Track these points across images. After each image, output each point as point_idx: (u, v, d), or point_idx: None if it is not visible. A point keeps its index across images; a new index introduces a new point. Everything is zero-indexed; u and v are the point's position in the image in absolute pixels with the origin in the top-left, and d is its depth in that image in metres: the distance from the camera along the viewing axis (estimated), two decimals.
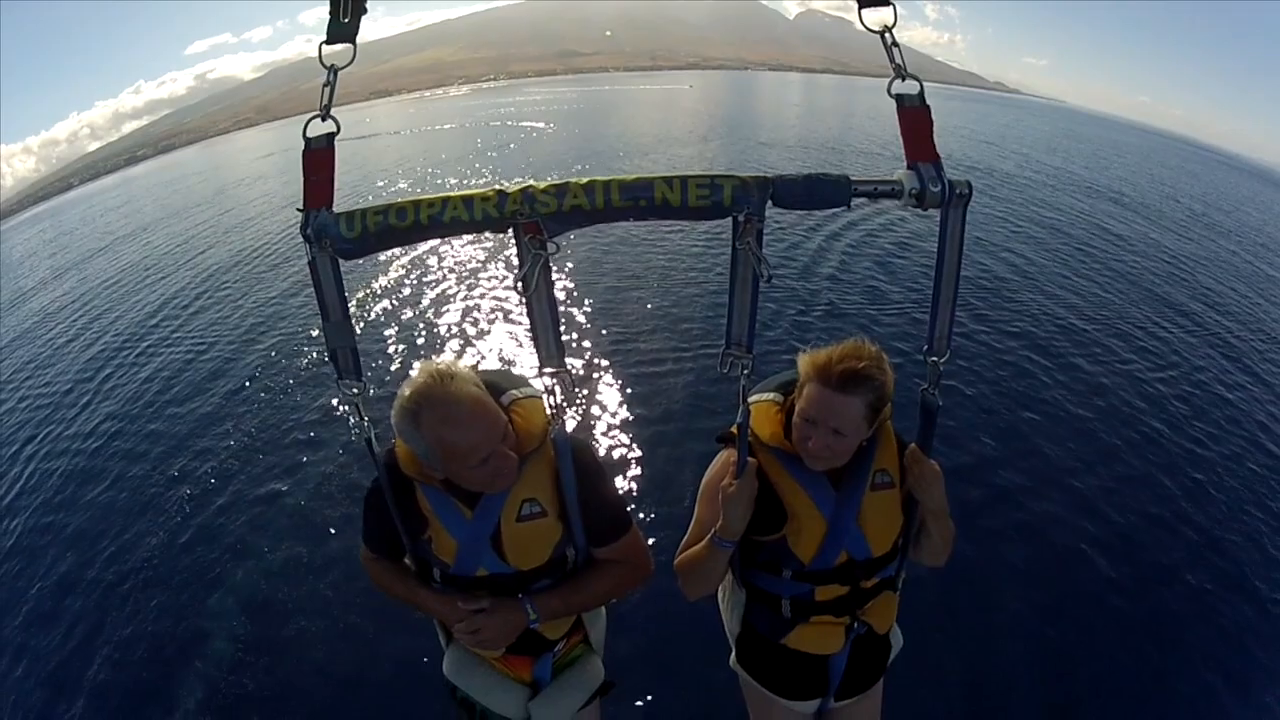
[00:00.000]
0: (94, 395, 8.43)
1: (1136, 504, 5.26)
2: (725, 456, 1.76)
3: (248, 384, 7.90)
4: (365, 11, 1.34)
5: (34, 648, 4.50)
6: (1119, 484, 5.49)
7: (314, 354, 8.43)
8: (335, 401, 6.86)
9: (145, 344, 10.04)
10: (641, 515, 4.92)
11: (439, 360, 1.52)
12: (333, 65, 1.37)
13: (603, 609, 1.94)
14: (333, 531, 5.08)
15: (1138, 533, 4.96)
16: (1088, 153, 32.89)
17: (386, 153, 32.04)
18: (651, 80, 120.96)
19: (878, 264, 10.45)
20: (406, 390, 1.44)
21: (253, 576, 4.80)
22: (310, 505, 5.44)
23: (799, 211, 1.84)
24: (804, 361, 1.62)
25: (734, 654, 1.98)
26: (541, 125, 36.34)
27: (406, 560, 1.73)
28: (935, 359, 1.55)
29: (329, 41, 1.35)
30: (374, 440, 1.56)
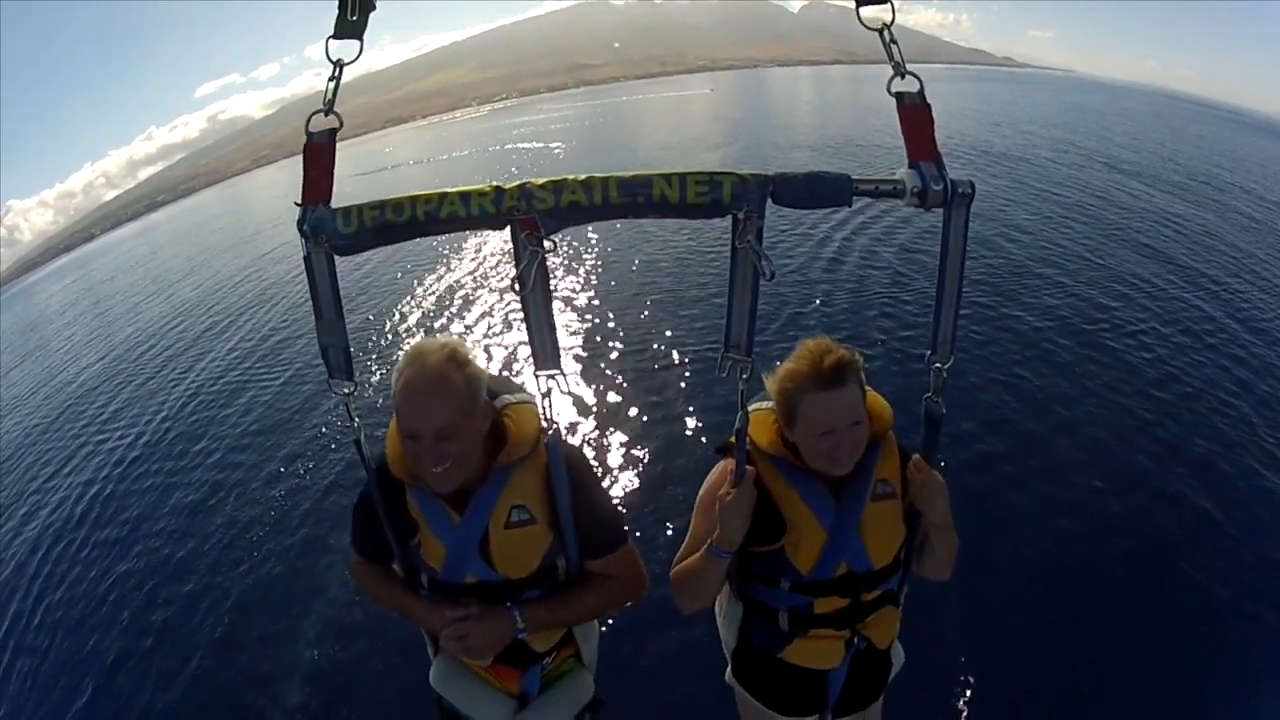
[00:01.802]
0: (188, 434, 8.55)
1: (1154, 511, 4.85)
2: (723, 466, 1.74)
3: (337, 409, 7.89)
4: (374, 9, 1.36)
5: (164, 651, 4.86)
6: (1130, 488, 5.07)
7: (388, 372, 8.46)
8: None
9: (225, 379, 10.11)
10: (636, 525, 4.79)
11: (460, 339, 1.53)
12: (338, 59, 1.39)
13: (595, 624, 1.90)
14: None
15: (1154, 540, 4.59)
16: (1092, 123, 32.01)
17: (412, 184, 32.30)
18: (665, 86, 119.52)
19: (877, 265, 10.07)
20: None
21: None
22: None
23: (798, 213, 1.79)
24: (779, 380, 1.59)
25: (730, 668, 1.94)
26: (559, 145, 36.10)
27: (395, 567, 1.71)
28: (939, 365, 1.52)
29: (336, 37, 1.37)
30: (363, 442, 1.55)
